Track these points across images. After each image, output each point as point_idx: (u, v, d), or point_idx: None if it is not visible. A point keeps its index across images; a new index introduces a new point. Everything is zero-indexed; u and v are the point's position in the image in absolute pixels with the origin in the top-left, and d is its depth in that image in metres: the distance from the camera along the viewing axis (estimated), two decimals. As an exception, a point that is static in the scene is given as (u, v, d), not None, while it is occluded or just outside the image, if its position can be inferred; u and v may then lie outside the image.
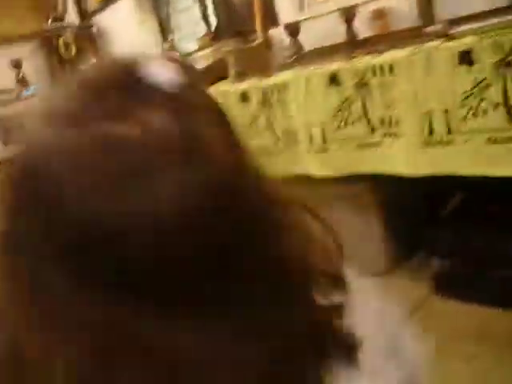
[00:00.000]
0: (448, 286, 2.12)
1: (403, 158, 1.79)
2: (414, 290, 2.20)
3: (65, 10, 4.85)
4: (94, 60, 4.55)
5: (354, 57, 2.07)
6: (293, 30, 3.03)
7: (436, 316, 2.01)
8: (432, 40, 1.88)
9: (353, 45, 2.72)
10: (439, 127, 1.71)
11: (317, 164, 2.11)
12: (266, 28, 3.10)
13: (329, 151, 2.01)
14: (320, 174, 2.14)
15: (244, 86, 2.31)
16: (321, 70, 2.02)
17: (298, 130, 2.12)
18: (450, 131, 1.69)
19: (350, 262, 0.62)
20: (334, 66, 1.99)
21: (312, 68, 2.12)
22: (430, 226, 2.31)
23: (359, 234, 2.36)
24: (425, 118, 1.72)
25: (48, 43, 4.70)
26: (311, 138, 2.07)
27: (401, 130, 1.76)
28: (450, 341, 1.80)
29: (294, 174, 2.26)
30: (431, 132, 1.73)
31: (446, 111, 1.69)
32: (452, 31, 1.91)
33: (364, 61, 1.91)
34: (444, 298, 2.10)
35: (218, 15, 3.91)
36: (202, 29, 4.02)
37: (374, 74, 1.82)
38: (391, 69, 1.77)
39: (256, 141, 2.34)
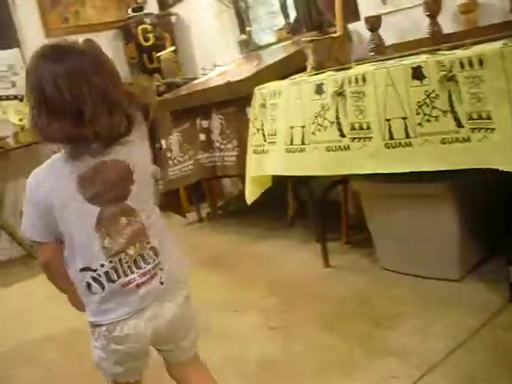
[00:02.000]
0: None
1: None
2: (489, 297, 2.10)
3: (145, 0, 4.93)
4: (171, 48, 4.60)
5: (438, 49, 1.98)
6: (374, 23, 2.94)
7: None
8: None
9: (437, 40, 2.62)
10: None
11: (391, 161, 2.03)
12: (345, 21, 3.02)
13: (413, 145, 1.92)
14: (395, 170, 2.05)
15: (321, 77, 2.25)
16: (403, 62, 1.93)
17: (370, 123, 2.04)
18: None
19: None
20: (418, 59, 1.89)
21: (393, 61, 2.03)
22: (509, 232, 2.20)
23: (434, 234, 2.27)
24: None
25: (128, 31, 4.78)
26: (388, 133, 1.99)
27: (493, 126, 1.66)
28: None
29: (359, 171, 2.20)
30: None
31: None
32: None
33: (450, 54, 1.81)
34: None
35: (297, 8, 3.87)
36: (280, 21, 3.98)
37: (462, 67, 1.73)
38: (480, 62, 1.67)
39: (317, 136, 2.28)
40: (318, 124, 2.23)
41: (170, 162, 3.77)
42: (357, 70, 2.11)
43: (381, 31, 2.92)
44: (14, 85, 4.54)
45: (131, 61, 4.83)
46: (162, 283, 1.33)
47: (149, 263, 1.31)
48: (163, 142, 3.86)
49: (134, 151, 1.31)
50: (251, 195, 2.75)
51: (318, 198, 2.78)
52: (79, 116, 1.19)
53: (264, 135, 2.57)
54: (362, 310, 2.28)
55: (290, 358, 2.07)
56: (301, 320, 2.32)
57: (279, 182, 2.83)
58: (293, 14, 3.89)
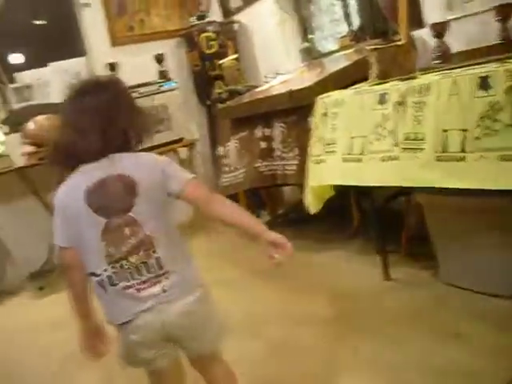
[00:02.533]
0: None
1: None
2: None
3: (208, 8, 4.97)
4: (233, 56, 4.62)
5: (509, 57, 1.89)
6: (439, 30, 2.86)
7: None
8: None
9: (508, 46, 2.53)
10: None
11: (441, 175, 1.94)
12: (409, 29, 2.95)
13: (467, 161, 1.83)
14: (444, 185, 1.96)
15: (385, 87, 2.20)
16: (469, 72, 1.86)
17: (425, 134, 1.97)
18: None
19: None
20: (486, 67, 1.82)
21: (459, 70, 1.96)
22: None
23: (502, 250, 2.18)
24: None
25: (191, 39, 4.83)
26: (442, 145, 1.91)
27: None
28: None
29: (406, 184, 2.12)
30: None
31: None
32: None
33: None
34: None
35: (360, 15, 3.82)
36: (343, 29, 3.94)
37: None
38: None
39: (374, 145, 2.23)
40: (378, 134, 2.18)
41: (226, 168, 3.78)
42: (421, 79, 2.05)
43: (447, 38, 2.84)
44: (80, 91, 4.66)
45: (194, 68, 4.88)
46: (164, 291, 1.42)
47: (151, 272, 1.41)
48: (221, 148, 3.88)
49: (142, 168, 1.43)
50: (313, 205, 2.71)
51: (379, 208, 2.72)
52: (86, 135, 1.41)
53: (323, 145, 2.54)
54: (424, 326, 2.21)
55: (350, 370, 2.03)
56: (361, 333, 2.27)
57: (341, 191, 2.79)
58: (356, 22, 3.85)
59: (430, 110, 1.97)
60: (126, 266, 1.40)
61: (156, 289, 1.42)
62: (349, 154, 2.34)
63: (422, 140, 1.98)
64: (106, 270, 1.40)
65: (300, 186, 3.04)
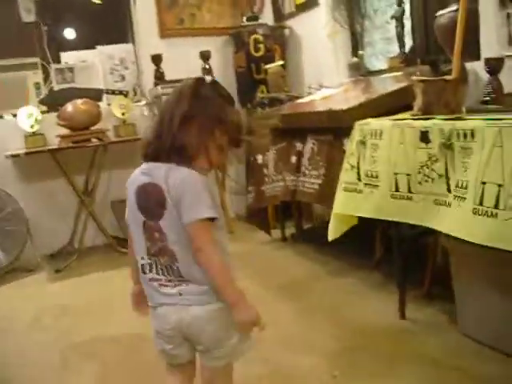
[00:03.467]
0: None
1: None
2: None
3: (261, 10, 4.90)
4: (280, 62, 4.54)
5: None
6: (494, 65, 2.74)
7: None
8: None
9: None
10: None
11: (475, 230, 1.83)
12: (463, 61, 2.83)
13: (498, 218, 1.71)
14: (480, 242, 1.83)
15: (427, 124, 2.09)
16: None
17: (468, 183, 1.86)
18: None
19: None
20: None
21: (506, 120, 1.83)
22: None
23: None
24: None
25: (239, 39, 4.77)
26: (480, 198, 1.79)
27: None
28: None
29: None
30: None
31: None
32: None
33: None
34: None
35: (413, 37, 3.70)
36: (394, 49, 3.82)
37: None
38: None
39: (424, 186, 2.12)
40: (425, 175, 2.07)
41: (266, 178, 3.72)
42: (466, 123, 1.94)
43: (501, 76, 2.72)
44: (123, 78, 4.65)
45: (238, 69, 4.81)
46: (180, 294, 1.51)
47: (175, 276, 1.51)
48: (260, 157, 3.81)
49: (178, 186, 1.45)
50: (334, 232, 2.63)
51: (405, 246, 2.62)
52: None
53: (359, 174, 2.44)
54: (434, 379, 2.10)
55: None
56: (367, 374, 2.18)
57: (367, 220, 2.69)
58: (409, 43, 3.73)
59: (476, 158, 1.85)
60: (158, 263, 1.52)
61: (174, 290, 1.51)
62: (396, 191, 2.23)
63: (465, 189, 1.88)
64: (143, 259, 1.54)
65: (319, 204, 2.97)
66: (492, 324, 2.23)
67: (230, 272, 1.49)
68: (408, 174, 2.17)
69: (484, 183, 1.79)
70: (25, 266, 4.10)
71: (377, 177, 2.35)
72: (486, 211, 1.76)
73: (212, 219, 1.46)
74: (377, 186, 2.35)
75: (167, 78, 4.46)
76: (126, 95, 4.44)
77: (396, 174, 2.23)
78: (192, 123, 1.47)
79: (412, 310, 2.64)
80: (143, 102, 4.65)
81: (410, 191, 2.19)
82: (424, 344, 2.36)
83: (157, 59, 4.49)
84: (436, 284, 2.80)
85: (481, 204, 1.79)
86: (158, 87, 4.35)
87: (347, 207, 2.52)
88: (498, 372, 2.08)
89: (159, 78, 4.47)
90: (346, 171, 2.52)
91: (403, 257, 2.64)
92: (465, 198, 1.87)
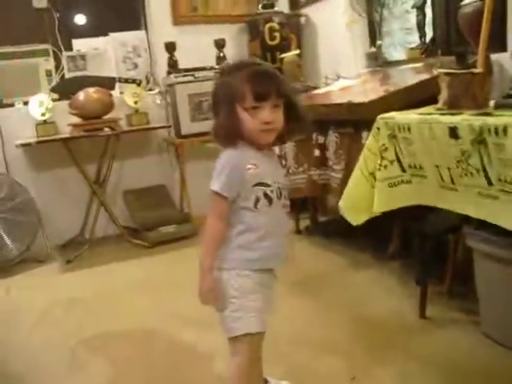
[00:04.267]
0: None
1: None
2: None
3: (277, -3, 4.81)
4: (295, 51, 4.45)
5: None
6: (520, 58, 2.66)
7: None
8: None
9: None
10: None
11: None
12: (489, 52, 2.73)
13: None
14: None
15: (455, 120, 2.01)
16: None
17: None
18: None
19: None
20: None
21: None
22: None
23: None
24: None
25: (254, 27, 4.68)
26: None
27: None
28: None
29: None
30: None
31: None
32: None
33: None
34: None
35: (434, 27, 3.60)
36: (414, 39, 3.73)
37: None
38: None
39: (465, 179, 2.04)
40: (463, 169, 1.99)
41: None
42: (496, 119, 1.86)
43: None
44: (135, 66, 4.58)
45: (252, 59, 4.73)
46: None
47: None
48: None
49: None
50: (358, 218, 2.55)
51: (427, 243, 2.54)
52: None
53: (402, 166, 2.34)
54: (455, 380, 2.04)
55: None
56: (386, 376, 2.12)
57: (383, 215, 2.63)
58: (429, 34, 3.63)
59: (509, 154, 1.78)
60: None
61: None
62: (443, 181, 2.16)
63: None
64: None
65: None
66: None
67: (213, 245, 1.61)
68: (448, 168, 2.09)
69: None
70: (35, 256, 4.05)
71: (422, 168, 2.25)
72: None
73: (224, 196, 1.56)
74: (425, 176, 2.25)
75: (181, 66, 4.39)
76: (139, 84, 4.36)
77: (437, 166, 2.14)
78: (216, 110, 1.61)
79: (433, 309, 2.58)
80: (156, 91, 4.58)
81: (453, 183, 2.11)
82: (445, 344, 2.29)
83: (170, 47, 4.41)
84: (457, 282, 2.73)
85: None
86: (172, 76, 4.28)
87: (395, 201, 2.42)
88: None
89: (172, 66, 4.40)
90: (386, 167, 2.40)
91: (425, 254, 2.57)
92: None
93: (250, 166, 1.57)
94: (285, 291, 2.97)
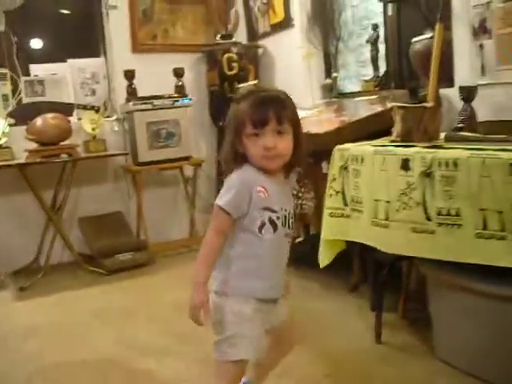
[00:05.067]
0: None
1: None
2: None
3: (235, 28, 4.89)
4: (253, 82, 4.54)
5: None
6: (468, 93, 2.79)
7: None
8: None
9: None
10: None
11: (482, 252, 1.89)
12: (438, 87, 2.87)
13: (508, 239, 1.78)
14: (490, 263, 1.91)
15: (409, 152, 2.11)
16: (501, 155, 1.77)
17: (460, 210, 1.89)
18: None
19: None
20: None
21: (487, 150, 1.86)
22: None
23: (503, 340, 2.08)
24: None
25: (212, 57, 4.75)
26: (483, 223, 1.84)
27: None
28: None
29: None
30: None
31: None
32: None
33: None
34: None
35: (388, 61, 3.75)
36: (368, 72, 3.86)
37: None
38: None
39: (401, 214, 2.13)
40: (403, 202, 2.08)
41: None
42: (448, 153, 1.96)
43: (475, 103, 2.77)
44: (93, 93, 4.58)
45: (211, 87, 4.79)
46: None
47: None
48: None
49: None
50: (325, 259, 2.63)
51: (381, 271, 2.62)
52: None
53: (345, 199, 2.44)
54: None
55: None
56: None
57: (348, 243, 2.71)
58: (383, 67, 3.77)
59: (462, 186, 1.88)
60: None
61: None
62: (375, 218, 2.25)
63: (457, 216, 1.90)
64: None
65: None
66: (467, 350, 2.24)
67: (209, 259, 1.59)
68: (387, 201, 2.19)
69: (483, 210, 1.85)
70: (-13, 282, 3.97)
71: (361, 202, 2.36)
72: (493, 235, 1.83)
73: (227, 212, 1.56)
74: (361, 211, 2.36)
75: (140, 94, 4.42)
76: (97, 110, 4.37)
77: (376, 200, 2.24)
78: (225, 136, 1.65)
79: (389, 334, 2.65)
80: (114, 118, 4.59)
81: (387, 219, 2.20)
82: (399, 370, 2.35)
83: (129, 75, 4.44)
84: (412, 308, 2.81)
85: (485, 228, 1.86)
86: (130, 103, 4.30)
87: (336, 232, 2.52)
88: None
89: (131, 93, 4.42)
90: (331, 196, 2.51)
91: (379, 281, 2.65)
92: (460, 225, 1.89)
93: (259, 189, 1.57)
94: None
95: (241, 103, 1.59)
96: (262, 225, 1.59)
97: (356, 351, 2.57)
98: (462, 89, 2.83)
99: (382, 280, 2.63)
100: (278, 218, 1.61)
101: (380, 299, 2.64)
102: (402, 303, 2.85)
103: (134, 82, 4.44)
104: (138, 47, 4.69)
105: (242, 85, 4.51)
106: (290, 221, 1.67)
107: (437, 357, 2.40)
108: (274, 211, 1.60)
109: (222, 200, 1.56)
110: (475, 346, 2.20)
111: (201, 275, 1.58)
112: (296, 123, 1.62)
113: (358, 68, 4.12)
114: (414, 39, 3.18)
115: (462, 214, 1.89)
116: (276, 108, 1.55)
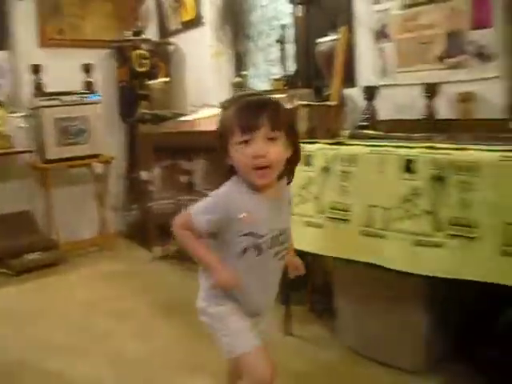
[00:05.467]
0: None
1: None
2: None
3: (146, 25, 4.87)
4: (164, 79, 4.53)
5: (431, 143, 1.94)
6: (370, 93, 2.93)
7: None
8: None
9: (431, 124, 2.61)
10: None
11: (362, 248, 1.99)
12: (342, 87, 3.00)
13: (384, 238, 1.87)
14: (362, 259, 2.02)
15: (311, 148, 2.19)
16: (396, 153, 1.88)
17: (349, 205, 1.99)
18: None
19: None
20: (412, 151, 1.85)
21: (387, 147, 1.98)
22: (476, 337, 2.15)
23: (399, 324, 2.22)
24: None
25: (122, 54, 4.70)
26: (367, 220, 1.94)
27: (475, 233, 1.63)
28: None
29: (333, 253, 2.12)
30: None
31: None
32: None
33: (444, 153, 1.77)
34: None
35: (296, 61, 3.85)
36: (278, 71, 3.95)
37: (455, 171, 1.69)
38: (476, 169, 1.63)
39: (300, 207, 2.21)
40: (301, 196, 2.17)
41: (154, 195, 3.70)
42: (349, 149, 2.06)
43: (377, 103, 2.91)
44: (-3, 87, 4.43)
45: (121, 84, 4.74)
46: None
47: None
48: (144, 173, 3.79)
49: None
50: None
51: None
52: None
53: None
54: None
55: None
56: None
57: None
58: (291, 67, 3.87)
59: (356, 182, 1.98)
60: None
61: None
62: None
63: (346, 211, 1.99)
64: None
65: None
66: (368, 336, 2.38)
67: (198, 247, 1.51)
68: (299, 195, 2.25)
69: (372, 206, 1.94)
70: None
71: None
72: (376, 233, 1.94)
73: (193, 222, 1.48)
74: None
75: (48, 89, 4.31)
76: (1, 105, 4.22)
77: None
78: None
79: (298, 327, 2.73)
80: (20, 114, 4.45)
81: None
82: (309, 359, 2.45)
83: (36, 69, 4.31)
84: (319, 300, 2.92)
85: (369, 226, 1.96)
86: (37, 99, 4.19)
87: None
88: (374, 378, 2.24)
89: (38, 89, 4.31)
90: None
91: (287, 276, 2.72)
92: (347, 220, 1.99)
93: (242, 215, 1.44)
94: (157, 315, 3.02)
95: (228, 109, 1.45)
96: (245, 250, 1.48)
97: (266, 344, 2.63)
98: (365, 88, 2.97)
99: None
100: (264, 241, 1.49)
101: (287, 293, 2.72)
102: (309, 295, 2.95)
103: (42, 77, 4.33)
104: (45, 42, 4.55)
105: (152, 81, 4.50)
106: (281, 237, 1.53)
107: (342, 344, 2.51)
108: (259, 236, 1.47)
109: (195, 209, 1.48)
110: (374, 332, 2.34)
111: (206, 259, 1.51)
112: (291, 130, 1.47)
113: (267, 67, 4.21)
114: (319, 40, 3.29)
115: (350, 210, 2.00)
116: (267, 113, 1.39)
